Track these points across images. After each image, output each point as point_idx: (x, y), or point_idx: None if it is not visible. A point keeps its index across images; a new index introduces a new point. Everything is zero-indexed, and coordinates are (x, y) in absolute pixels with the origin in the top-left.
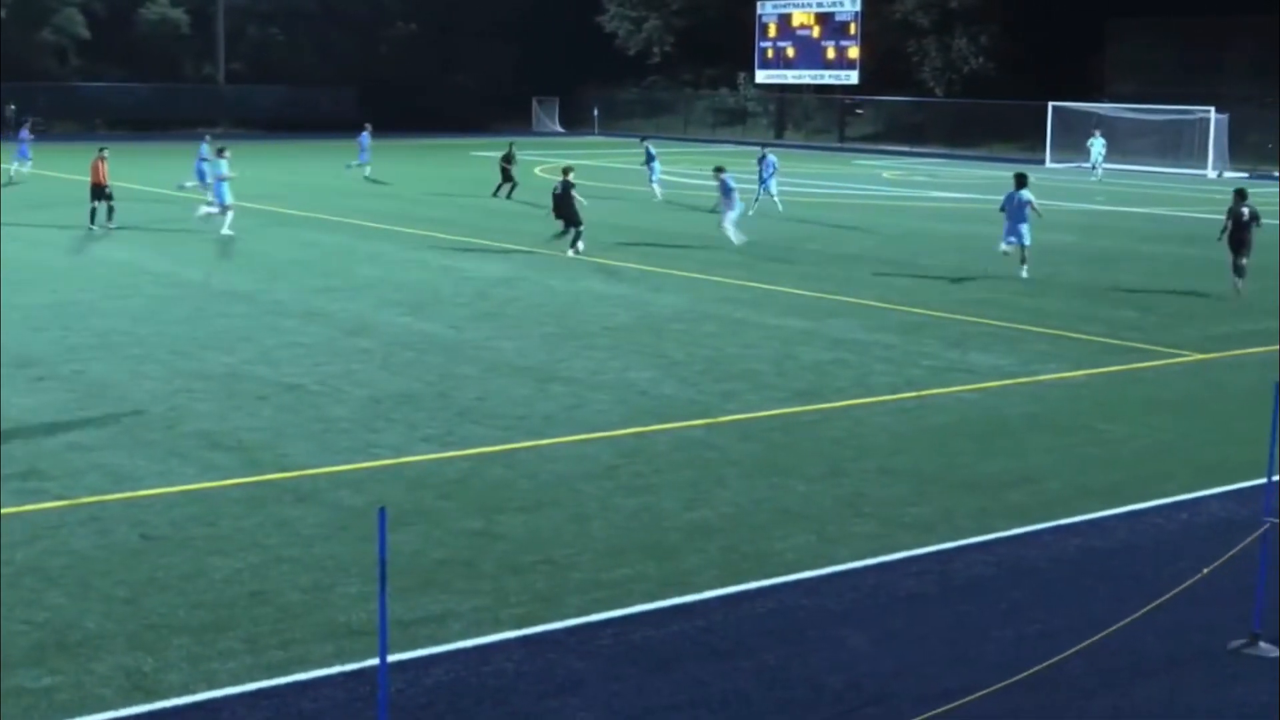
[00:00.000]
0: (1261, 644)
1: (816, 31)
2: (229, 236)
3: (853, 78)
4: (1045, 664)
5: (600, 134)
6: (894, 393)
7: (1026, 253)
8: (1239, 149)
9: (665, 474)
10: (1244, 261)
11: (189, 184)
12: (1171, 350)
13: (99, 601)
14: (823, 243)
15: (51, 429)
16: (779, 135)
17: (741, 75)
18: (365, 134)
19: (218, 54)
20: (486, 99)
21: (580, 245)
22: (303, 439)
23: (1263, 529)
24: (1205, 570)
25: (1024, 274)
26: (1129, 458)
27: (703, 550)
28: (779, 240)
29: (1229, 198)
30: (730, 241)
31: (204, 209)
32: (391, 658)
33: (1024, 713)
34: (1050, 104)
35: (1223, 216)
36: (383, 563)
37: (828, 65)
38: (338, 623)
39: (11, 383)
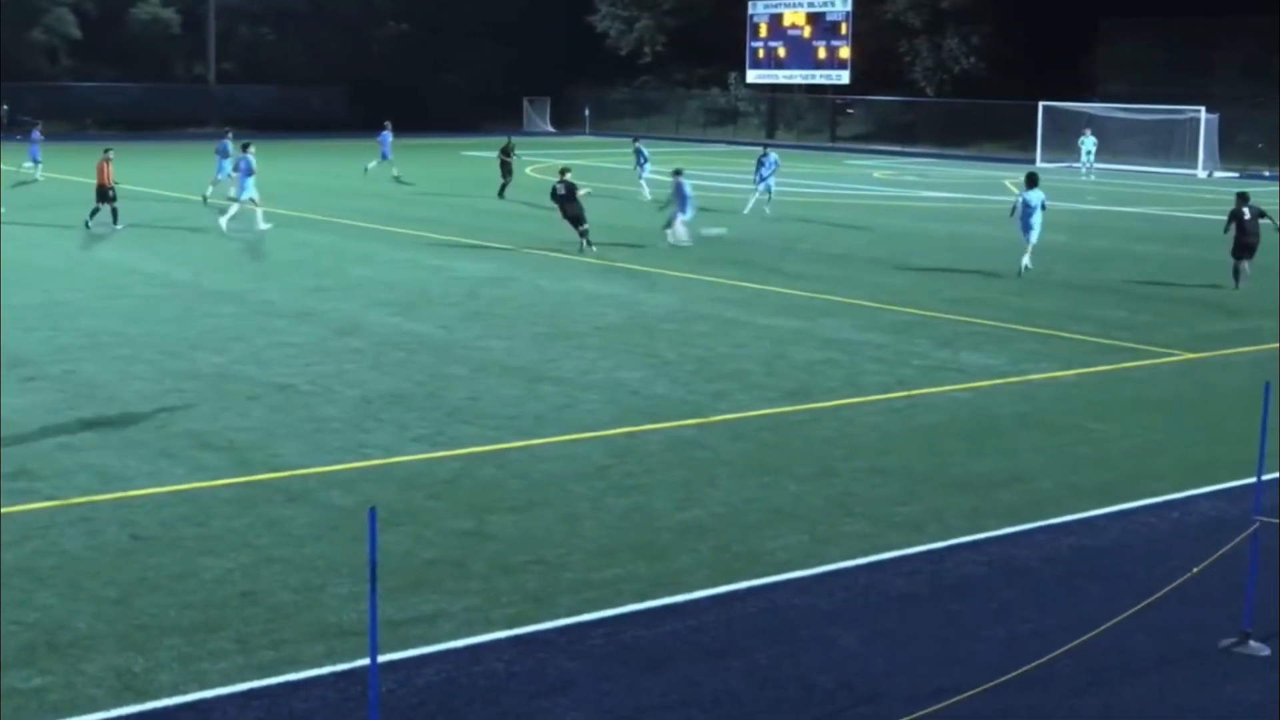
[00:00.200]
0: (1252, 643)
1: (808, 31)
2: (224, 231)
3: (844, 77)
4: (1036, 663)
5: (591, 134)
6: (885, 392)
7: (1032, 247)
8: (1229, 149)
9: (656, 474)
10: (1246, 266)
11: (222, 178)
12: (1162, 350)
13: (89, 602)
14: (814, 243)
15: (41, 429)
16: (770, 135)
17: (733, 75)
18: (386, 133)
19: (208, 54)
20: (477, 99)
21: (587, 240)
22: (293, 439)
23: (1253, 528)
24: (1195, 569)
25: (1026, 262)
26: (1119, 457)
27: (694, 550)
28: (770, 240)
29: (1219, 197)
30: (666, 241)
31: (260, 221)
32: (382, 658)
33: (1015, 712)
34: (1041, 104)
35: (1223, 218)
36: (373, 563)
37: (819, 65)
38: (328, 623)
39: (1, 383)
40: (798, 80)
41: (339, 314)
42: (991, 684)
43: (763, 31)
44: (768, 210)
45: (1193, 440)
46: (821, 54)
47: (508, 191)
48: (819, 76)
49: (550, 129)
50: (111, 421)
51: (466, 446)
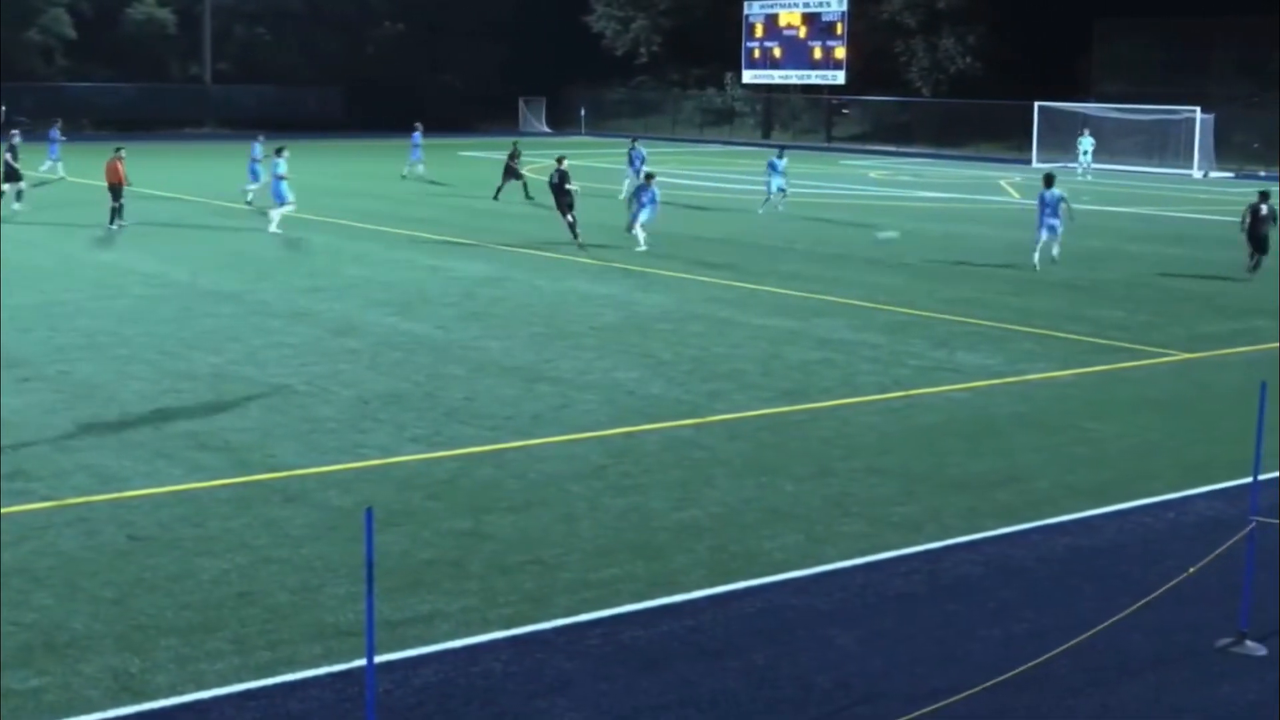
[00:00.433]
0: (1248, 642)
1: (803, 32)
2: (274, 234)
3: (840, 78)
4: (1033, 663)
5: (587, 134)
6: (881, 392)
7: (1057, 242)
8: (1224, 149)
9: (653, 474)
10: (1259, 259)
11: (252, 187)
12: (1158, 350)
13: (86, 602)
14: (809, 243)
15: (38, 430)
16: (766, 135)
17: (728, 75)
18: (417, 133)
19: (204, 54)
20: (473, 99)
21: (574, 232)
22: (290, 439)
23: (1249, 528)
24: (1192, 569)
25: (1055, 253)
26: (1116, 457)
27: (691, 550)
28: (765, 240)
29: (1214, 197)
30: (636, 239)
31: (275, 221)
32: (379, 658)
33: (1012, 711)
34: (1037, 104)
35: (1221, 218)
36: (370, 563)
37: (814, 65)
38: (326, 623)
39: None
40: (793, 80)
41: (335, 314)
42: (988, 684)
43: (758, 32)
44: (780, 209)
45: (1189, 440)
46: (817, 54)
47: (528, 191)
48: (815, 77)
49: (546, 129)
50: (108, 422)
51: (464, 447)
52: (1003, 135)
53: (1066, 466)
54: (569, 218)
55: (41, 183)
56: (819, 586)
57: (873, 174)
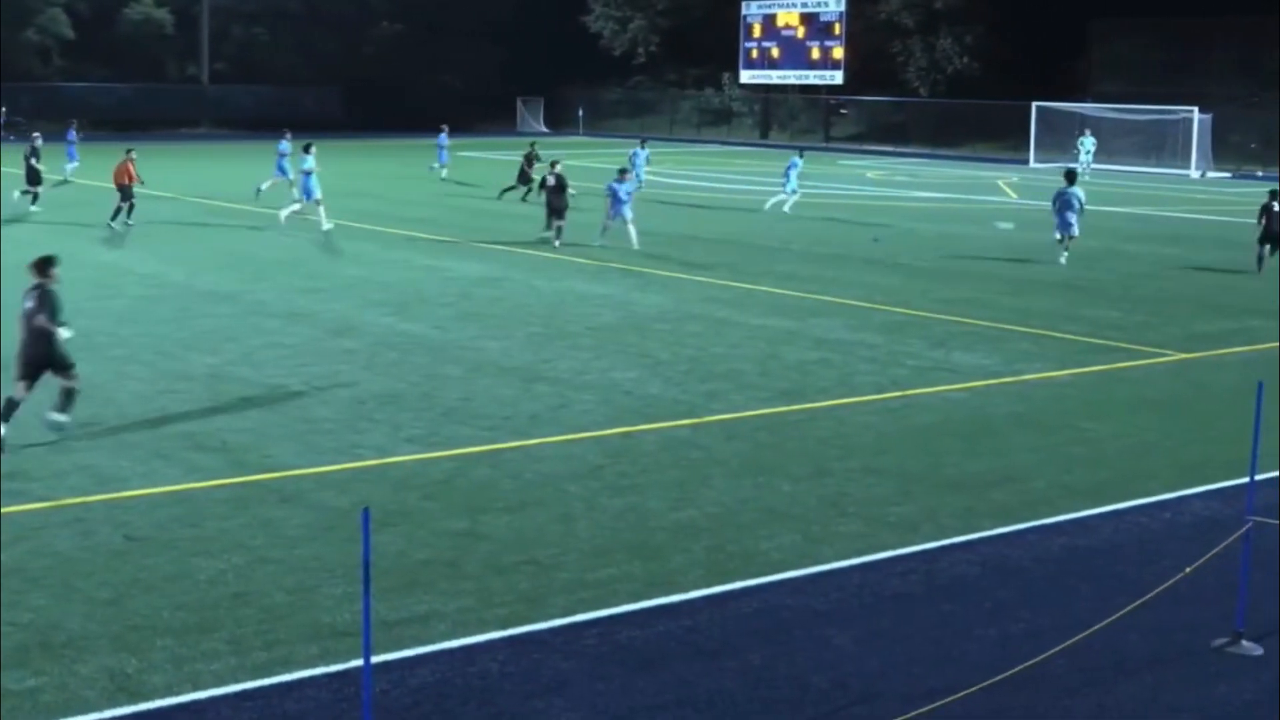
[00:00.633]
0: (1244, 642)
1: (801, 32)
2: (329, 230)
3: (837, 78)
4: (1029, 663)
5: (585, 134)
6: (878, 392)
7: (1070, 242)
8: (1222, 149)
9: (650, 474)
10: (1266, 251)
11: (265, 185)
12: (1155, 350)
13: (82, 603)
14: (806, 242)
15: (35, 430)
16: (764, 135)
17: (726, 75)
18: (444, 134)
19: (202, 54)
20: (471, 99)
21: (559, 232)
22: (287, 440)
23: (1245, 528)
24: (1188, 569)
25: (1062, 260)
26: (1113, 457)
27: (688, 550)
28: (762, 240)
29: (1211, 198)
30: (630, 239)
31: (287, 209)
32: (376, 658)
33: (1008, 711)
34: (1034, 104)
35: (1220, 218)
36: (367, 563)
37: (812, 65)
38: (322, 624)
39: None
40: (791, 81)
41: (332, 314)
42: (985, 684)
43: (756, 32)
44: (785, 209)
45: (1186, 440)
46: (815, 54)
47: (529, 196)
48: (813, 77)
49: (544, 129)
50: (105, 422)
51: (460, 447)
52: (1000, 135)
53: (1063, 466)
54: (558, 223)
55: (62, 183)
56: (816, 586)
57: (870, 174)
